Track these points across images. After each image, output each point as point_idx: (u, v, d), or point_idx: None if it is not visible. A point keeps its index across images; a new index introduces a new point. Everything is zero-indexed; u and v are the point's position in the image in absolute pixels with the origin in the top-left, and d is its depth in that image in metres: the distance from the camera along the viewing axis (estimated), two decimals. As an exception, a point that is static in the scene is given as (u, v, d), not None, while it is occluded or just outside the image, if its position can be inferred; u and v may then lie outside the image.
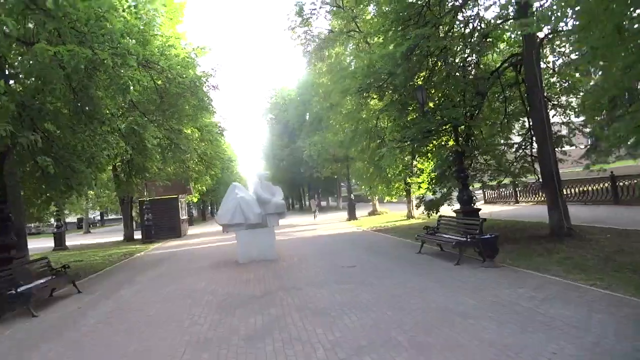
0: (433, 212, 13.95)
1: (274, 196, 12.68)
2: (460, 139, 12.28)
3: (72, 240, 32.35)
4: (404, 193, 22.45)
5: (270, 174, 67.40)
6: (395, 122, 13.91)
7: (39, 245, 26.51)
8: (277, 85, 61.80)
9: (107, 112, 12.75)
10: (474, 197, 13.24)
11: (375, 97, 15.46)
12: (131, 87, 10.32)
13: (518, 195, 23.43)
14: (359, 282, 8.36)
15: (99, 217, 63.87)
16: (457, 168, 12.27)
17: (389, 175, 20.43)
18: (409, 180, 21.22)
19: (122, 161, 16.83)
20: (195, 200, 39.97)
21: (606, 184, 17.69)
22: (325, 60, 24.82)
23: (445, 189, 13.91)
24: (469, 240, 9.25)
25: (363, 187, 28.08)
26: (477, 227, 9.34)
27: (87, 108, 11.20)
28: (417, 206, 19.84)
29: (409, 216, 22.25)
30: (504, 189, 23.03)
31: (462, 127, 12.33)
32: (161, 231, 24.62)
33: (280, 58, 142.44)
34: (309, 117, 43.72)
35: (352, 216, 26.42)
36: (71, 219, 59.18)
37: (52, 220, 65.46)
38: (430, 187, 13.47)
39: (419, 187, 21.71)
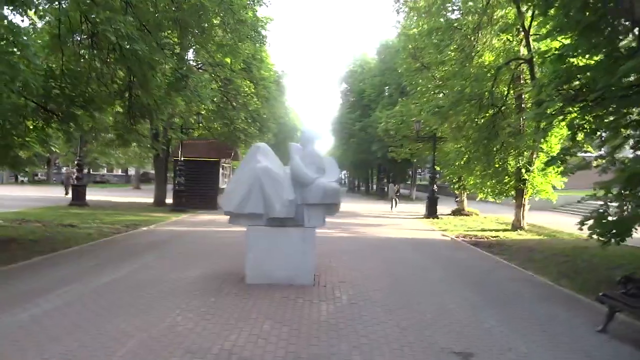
0: (610, 240, 7.52)
1: (323, 174, 7.20)
2: None
3: (108, 194, 29.31)
4: (512, 193, 15.97)
5: (337, 151, 61.97)
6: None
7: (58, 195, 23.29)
8: (357, 52, 55.83)
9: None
10: None
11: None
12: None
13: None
14: None
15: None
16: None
17: (541, 156, 13.88)
18: (526, 176, 14.75)
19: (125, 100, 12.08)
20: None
21: None
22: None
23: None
24: None
25: (448, 177, 21.77)
26: None
27: None
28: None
29: (517, 226, 15.83)
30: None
31: None
32: (194, 200, 20.12)
33: (363, 18, 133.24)
34: (389, 90, 37.60)
35: (431, 213, 20.34)
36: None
37: (119, 169, 65.52)
38: (625, 191, 6.92)
39: (533, 187, 15.27)
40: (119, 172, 66.99)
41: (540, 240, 13.41)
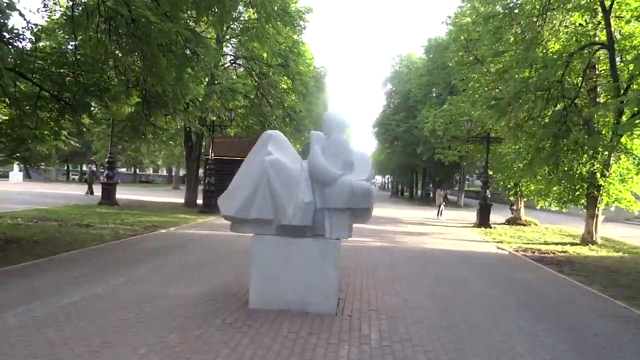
0: None
1: (351, 171, 5.58)
2: None
3: (145, 194, 28.97)
4: (583, 201, 13.61)
5: (380, 154, 59.76)
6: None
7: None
8: (403, 51, 53.66)
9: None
10: None
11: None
12: None
13: None
14: None
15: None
16: None
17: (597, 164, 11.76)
18: (601, 182, 12.44)
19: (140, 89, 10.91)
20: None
21: None
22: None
23: None
24: None
25: (503, 182, 19.44)
26: None
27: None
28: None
29: (588, 240, 13.47)
30: None
31: None
32: (225, 201, 18.95)
33: (410, 16, 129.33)
34: (437, 90, 35.31)
35: (483, 221, 18.13)
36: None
37: (164, 170, 66.07)
38: None
39: (609, 195, 12.98)
40: (164, 172, 67.94)
41: (621, 259, 11.11)
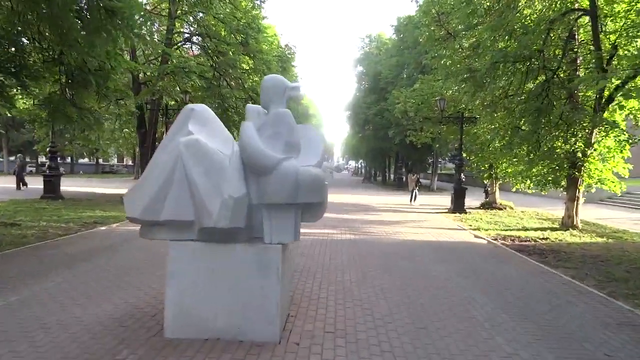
0: None
1: (297, 154, 4.28)
2: None
3: (100, 185, 26.88)
4: (563, 183, 12.74)
5: (352, 139, 58.47)
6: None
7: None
8: (373, 31, 52.29)
9: None
10: None
11: None
12: None
13: None
14: None
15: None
16: None
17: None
18: (583, 161, 11.56)
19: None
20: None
21: None
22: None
23: None
24: None
25: (476, 164, 18.52)
26: None
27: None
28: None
29: (568, 225, 12.66)
30: None
31: None
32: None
33: None
34: (407, 70, 34.23)
35: (458, 207, 17.20)
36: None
37: (129, 159, 62.71)
38: None
39: (590, 175, 12.19)
40: (129, 162, 64.62)
41: (606, 246, 10.26)
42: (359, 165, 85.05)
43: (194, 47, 20.22)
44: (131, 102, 16.22)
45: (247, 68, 19.52)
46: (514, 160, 12.45)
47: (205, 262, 4.17)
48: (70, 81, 9.08)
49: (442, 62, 17.41)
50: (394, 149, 37.31)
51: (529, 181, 13.36)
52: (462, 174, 18.05)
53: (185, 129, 4.36)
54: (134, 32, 7.62)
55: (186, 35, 20.27)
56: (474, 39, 14.35)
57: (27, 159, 30.32)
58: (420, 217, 15.76)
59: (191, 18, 18.52)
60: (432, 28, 18.28)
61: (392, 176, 48.19)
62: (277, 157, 4.09)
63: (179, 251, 4.19)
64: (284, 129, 4.27)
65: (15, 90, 9.95)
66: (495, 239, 11.13)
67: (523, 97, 10.40)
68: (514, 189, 15.62)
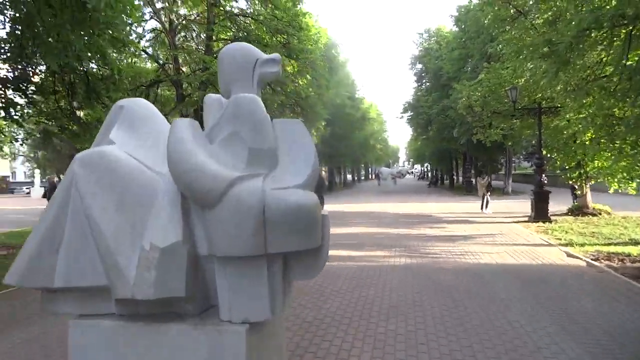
0: None
1: (270, 168, 2.54)
2: None
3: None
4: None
5: (415, 142, 55.41)
6: None
7: None
8: (432, 25, 49.43)
9: None
10: None
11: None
12: None
13: None
14: None
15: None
16: None
17: None
18: None
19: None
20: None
21: None
22: None
23: None
24: None
25: (560, 162, 15.59)
26: None
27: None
28: None
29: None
30: None
31: None
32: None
33: None
34: (472, 62, 31.31)
35: (540, 214, 14.41)
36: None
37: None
38: None
39: None
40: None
41: None
42: (425, 169, 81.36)
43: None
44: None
45: (291, 71, 18.11)
46: (616, 153, 9.72)
47: (125, 355, 2.52)
48: (73, 92, 8.02)
49: (513, 43, 14.89)
50: (460, 149, 34.39)
51: (634, 181, 10.52)
52: (543, 174, 15.25)
53: (107, 138, 2.78)
54: (117, 29, 6.34)
55: (228, 42, 19.35)
56: (550, 13, 11.85)
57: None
58: (494, 229, 13.28)
59: (228, 22, 17.49)
60: (497, 7, 15.80)
61: (460, 179, 44.77)
62: (227, 175, 2.36)
63: (85, 335, 2.58)
64: (246, 127, 2.54)
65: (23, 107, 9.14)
66: (596, 259, 8.59)
67: (624, 75, 7.88)
68: (611, 190, 12.64)
